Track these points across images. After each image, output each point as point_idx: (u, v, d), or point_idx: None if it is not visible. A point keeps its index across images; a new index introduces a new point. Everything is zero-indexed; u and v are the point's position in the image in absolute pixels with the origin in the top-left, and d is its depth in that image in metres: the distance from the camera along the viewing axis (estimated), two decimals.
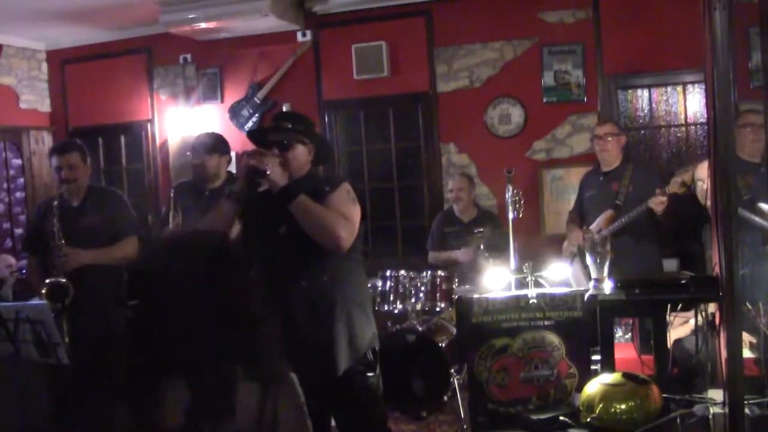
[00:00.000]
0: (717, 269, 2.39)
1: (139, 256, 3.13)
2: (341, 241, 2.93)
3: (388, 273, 5.19)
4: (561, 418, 2.50)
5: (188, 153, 4.45)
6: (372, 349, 3.11)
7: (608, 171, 4.80)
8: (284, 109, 6.48)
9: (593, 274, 2.74)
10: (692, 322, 3.32)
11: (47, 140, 7.14)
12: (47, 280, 3.85)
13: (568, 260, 4.70)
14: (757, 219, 3.84)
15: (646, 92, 5.73)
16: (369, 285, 3.73)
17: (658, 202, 4.31)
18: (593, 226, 4.71)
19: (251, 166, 2.89)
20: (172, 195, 4.26)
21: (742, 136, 4.19)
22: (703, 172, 3.85)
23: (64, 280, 3.84)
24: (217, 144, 4.35)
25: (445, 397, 4.75)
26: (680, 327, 3.27)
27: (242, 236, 3.11)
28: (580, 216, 4.98)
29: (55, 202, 3.99)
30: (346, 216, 2.98)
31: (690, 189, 4.26)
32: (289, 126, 3.09)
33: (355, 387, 3.04)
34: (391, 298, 5.11)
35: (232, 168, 6.41)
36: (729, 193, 2.29)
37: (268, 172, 2.88)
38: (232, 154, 6.53)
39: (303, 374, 2.58)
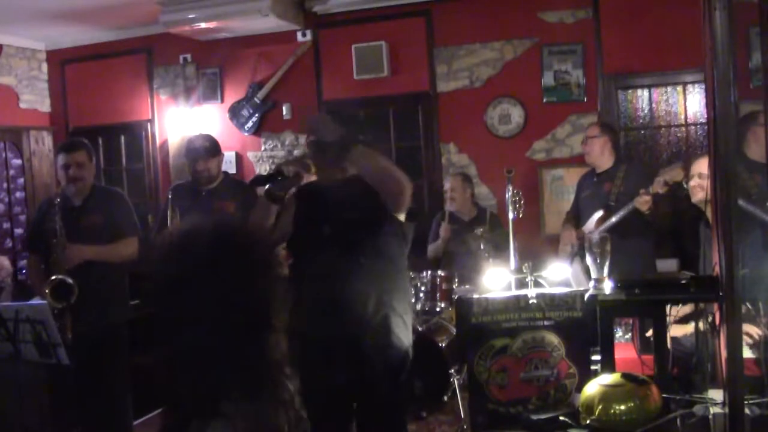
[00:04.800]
0: (717, 269, 2.39)
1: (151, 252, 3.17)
2: (403, 182, 2.86)
3: None
4: (561, 418, 2.50)
5: (184, 159, 4.41)
6: (407, 353, 3.06)
7: (601, 172, 4.84)
8: (284, 110, 6.49)
9: (593, 274, 2.74)
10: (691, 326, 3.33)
11: (47, 140, 7.14)
12: (51, 278, 3.84)
13: (568, 260, 4.70)
14: (766, 217, 3.83)
15: (646, 92, 5.73)
16: None
17: (642, 202, 4.37)
18: (585, 227, 4.74)
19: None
20: (169, 196, 4.26)
21: (757, 135, 4.18)
22: (697, 168, 3.84)
23: (71, 281, 3.84)
24: (214, 147, 4.35)
25: (445, 397, 4.75)
26: (678, 326, 3.27)
27: (288, 241, 3.10)
28: (576, 217, 5.00)
29: (57, 200, 3.98)
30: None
31: (672, 188, 4.32)
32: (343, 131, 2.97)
33: (383, 390, 2.99)
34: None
35: (231, 168, 6.45)
36: (729, 193, 2.29)
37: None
38: (233, 153, 6.59)
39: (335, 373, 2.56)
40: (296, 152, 6.26)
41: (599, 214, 4.67)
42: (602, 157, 4.82)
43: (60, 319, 3.73)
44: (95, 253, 4.01)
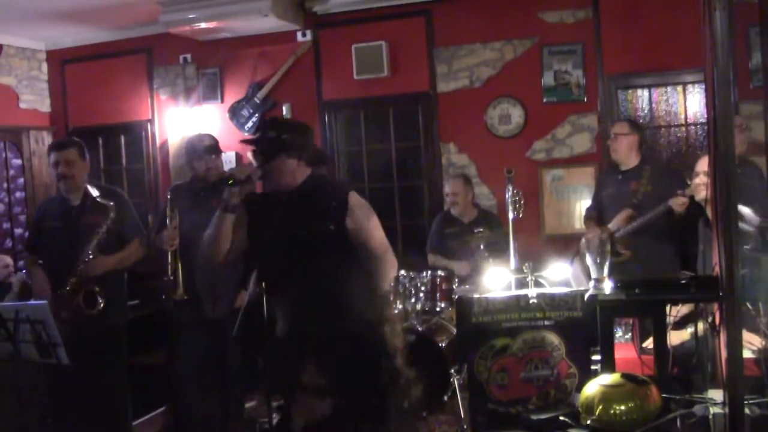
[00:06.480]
0: (717, 269, 2.39)
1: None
2: (394, 269, 3.01)
3: None
4: (561, 418, 2.50)
5: (190, 157, 4.37)
6: None
7: (626, 170, 4.77)
8: (284, 110, 6.49)
9: (593, 274, 2.74)
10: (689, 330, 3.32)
11: (47, 140, 7.13)
12: (84, 288, 3.91)
13: (568, 260, 4.70)
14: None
15: (646, 92, 5.73)
16: None
17: (679, 203, 4.23)
18: (611, 225, 4.67)
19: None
20: (168, 197, 4.25)
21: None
22: (702, 166, 3.83)
23: (100, 298, 3.92)
24: (218, 145, 4.35)
25: (445, 397, 4.75)
26: (675, 333, 3.27)
27: (248, 249, 3.06)
28: (598, 214, 4.96)
29: (76, 202, 4.06)
30: (385, 247, 2.99)
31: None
32: (272, 135, 2.99)
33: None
34: (391, 298, 5.10)
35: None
36: (729, 193, 2.29)
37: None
38: (233, 154, 6.60)
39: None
40: None
41: (627, 212, 4.59)
42: (629, 155, 4.74)
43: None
44: (115, 261, 4.09)
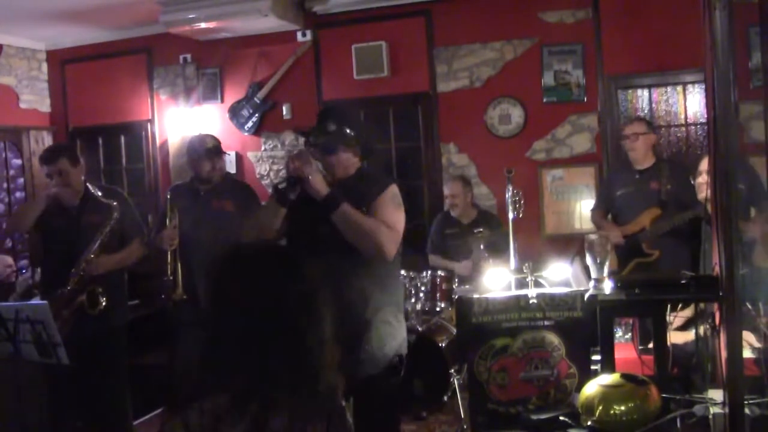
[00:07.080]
0: (717, 269, 2.39)
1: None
2: (385, 250, 2.94)
3: None
4: (561, 418, 2.49)
5: (192, 158, 4.36)
6: (399, 355, 3.07)
7: (643, 169, 4.75)
8: (284, 110, 6.49)
9: (593, 274, 2.73)
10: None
11: (47, 140, 7.14)
12: (87, 288, 3.92)
13: (568, 260, 4.68)
14: None
15: (646, 92, 5.73)
16: None
17: None
18: (633, 225, 4.65)
19: (294, 170, 2.89)
20: (168, 197, 4.26)
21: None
22: (705, 165, 3.83)
23: (103, 298, 3.93)
24: (220, 146, 4.35)
25: (445, 397, 4.75)
26: (679, 333, 3.27)
27: (287, 236, 3.08)
28: (607, 213, 4.94)
29: (76, 203, 4.07)
30: (389, 224, 2.97)
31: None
32: (334, 128, 3.02)
33: (375, 391, 2.99)
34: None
35: (231, 168, 6.45)
36: (729, 193, 2.29)
37: (309, 178, 2.88)
38: (233, 153, 6.60)
39: None
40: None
41: (653, 211, 4.58)
42: (647, 154, 4.74)
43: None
44: (116, 261, 4.10)
